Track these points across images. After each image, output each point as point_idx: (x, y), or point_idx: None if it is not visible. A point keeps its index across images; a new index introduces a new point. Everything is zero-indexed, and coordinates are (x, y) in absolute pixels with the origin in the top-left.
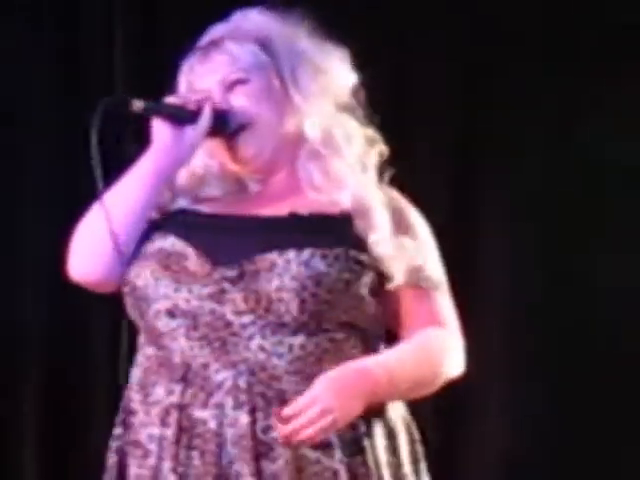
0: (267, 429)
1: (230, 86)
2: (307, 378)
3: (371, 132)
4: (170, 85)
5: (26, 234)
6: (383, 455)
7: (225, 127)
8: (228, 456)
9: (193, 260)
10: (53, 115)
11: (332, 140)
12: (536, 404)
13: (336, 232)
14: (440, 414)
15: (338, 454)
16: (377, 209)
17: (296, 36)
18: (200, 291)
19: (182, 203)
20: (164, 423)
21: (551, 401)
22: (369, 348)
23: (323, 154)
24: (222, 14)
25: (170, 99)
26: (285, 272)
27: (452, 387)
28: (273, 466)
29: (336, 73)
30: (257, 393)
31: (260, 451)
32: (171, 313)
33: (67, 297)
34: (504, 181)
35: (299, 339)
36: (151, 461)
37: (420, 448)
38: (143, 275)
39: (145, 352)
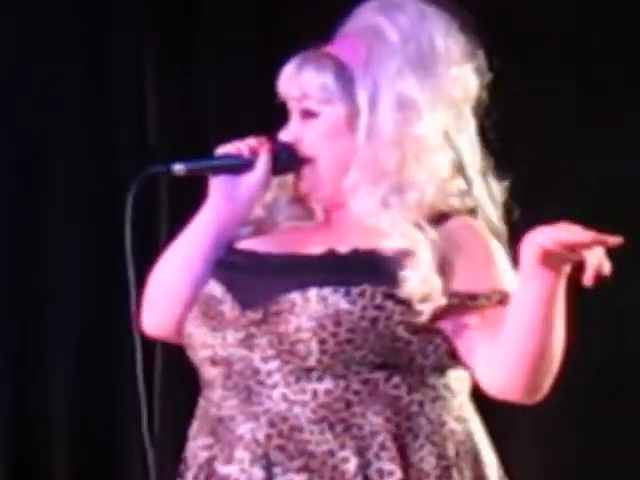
0: None
1: (303, 115)
2: (332, 426)
3: (477, 159)
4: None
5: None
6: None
7: (290, 162)
8: None
9: (228, 304)
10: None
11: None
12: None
13: (372, 268)
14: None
15: None
16: (421, 248)
17: (398, 47)
18: (233, 337)
19: (242, 233)
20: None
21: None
22: (420, 384)
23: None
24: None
25: (224, 148)
26: (303, 312)
27: None
28: None
29: (442, 95)
30: (275, 446)
31: None
32: (212, 361)
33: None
34: None
35: (325, 384)
36: None
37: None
38: (189, 323)
39: (199, 403)
